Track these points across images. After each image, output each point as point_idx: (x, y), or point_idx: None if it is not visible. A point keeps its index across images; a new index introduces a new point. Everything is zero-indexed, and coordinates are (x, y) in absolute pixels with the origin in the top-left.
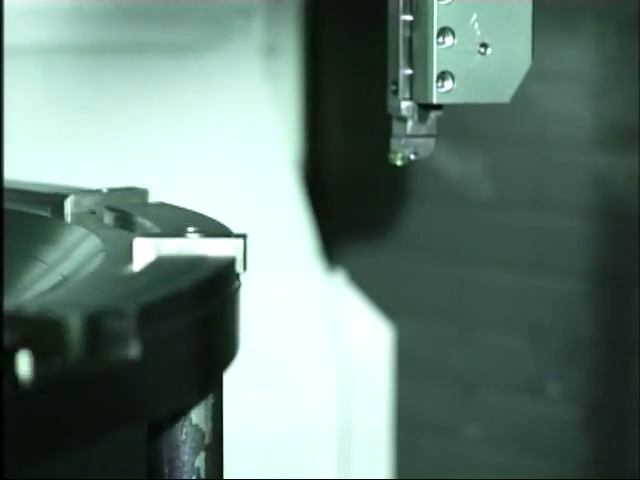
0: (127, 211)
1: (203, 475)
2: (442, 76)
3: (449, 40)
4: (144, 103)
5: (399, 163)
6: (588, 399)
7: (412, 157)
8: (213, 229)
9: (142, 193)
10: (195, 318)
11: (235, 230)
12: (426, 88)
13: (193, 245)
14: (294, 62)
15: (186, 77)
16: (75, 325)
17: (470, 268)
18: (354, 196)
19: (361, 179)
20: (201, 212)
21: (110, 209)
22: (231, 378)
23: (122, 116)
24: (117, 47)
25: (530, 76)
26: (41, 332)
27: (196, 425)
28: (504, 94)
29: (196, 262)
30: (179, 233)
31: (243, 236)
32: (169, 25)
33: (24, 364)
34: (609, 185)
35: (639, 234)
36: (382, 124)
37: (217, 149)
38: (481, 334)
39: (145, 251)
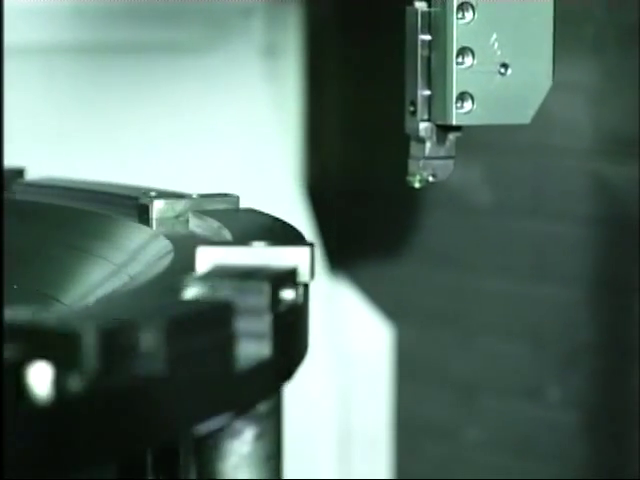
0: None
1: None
2: (461, 97)
3: (468, 60)
4: (143, 103)
5: (417, 185)
6: (588, 404)
7: (430, 179)
8: (288, 237)
9: (235, 200)
10: (227, 332)
11: None
12: (445, 109)
13: (256, 254)
14: (294, 62)
15: (186, 77)
16: (90, 339)
17: (470, 274)
18: (355, 199)
19: (362, 181)
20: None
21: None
22: None
23: (121, 116)
24: (117, 47)
25: None
26: (58, 345)
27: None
28: (524, 115)
29: (249, 272)
30: (245, 241)
31: (310, 244)
32: (169, 25)
33: (40, 377)
34: (609, 193)
35: (639, 241)
36: (382, 124)
37: (216, 149)
38: (481, 339)
39: (207, 259)
